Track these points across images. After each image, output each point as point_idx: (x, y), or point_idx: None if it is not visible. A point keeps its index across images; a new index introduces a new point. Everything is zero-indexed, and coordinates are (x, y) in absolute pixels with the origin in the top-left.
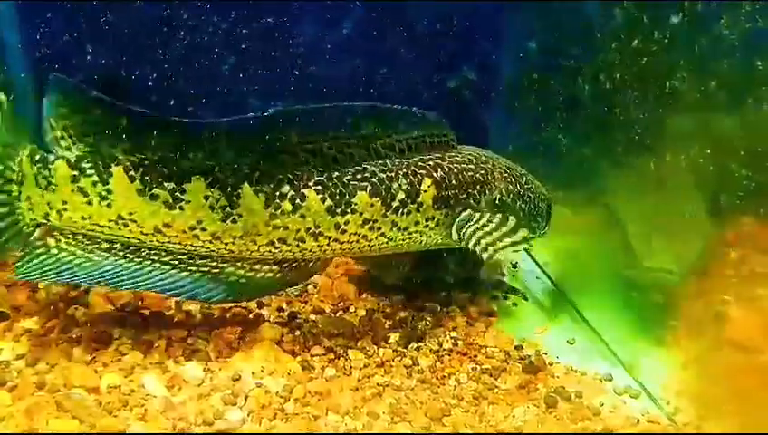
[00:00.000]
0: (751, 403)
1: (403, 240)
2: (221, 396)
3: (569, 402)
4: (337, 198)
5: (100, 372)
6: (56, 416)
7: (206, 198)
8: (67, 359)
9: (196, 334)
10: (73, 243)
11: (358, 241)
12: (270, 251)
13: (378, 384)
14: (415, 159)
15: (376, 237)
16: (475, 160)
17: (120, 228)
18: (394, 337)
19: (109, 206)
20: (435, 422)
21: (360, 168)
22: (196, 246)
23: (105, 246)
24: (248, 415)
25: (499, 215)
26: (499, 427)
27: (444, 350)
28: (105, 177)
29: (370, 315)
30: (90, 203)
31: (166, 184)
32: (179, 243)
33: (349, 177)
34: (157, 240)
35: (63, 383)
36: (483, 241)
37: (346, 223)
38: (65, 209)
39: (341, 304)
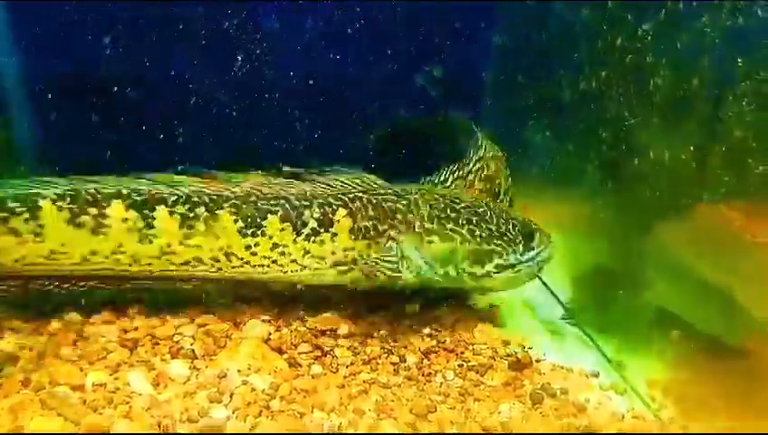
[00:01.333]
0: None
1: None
2: (206, 394)
3: (554, 399)
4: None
5: (85, 370)
6: (41, 414)
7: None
8: (53, 356)
9: (182, 333)
10: None
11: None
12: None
13: (364, 381)
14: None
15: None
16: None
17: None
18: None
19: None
20: (420, 419)
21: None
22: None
23: None
24: (233, 413)
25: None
26: (485, 423)
27: (430, 347)
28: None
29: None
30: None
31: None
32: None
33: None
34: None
35: (49, 381)
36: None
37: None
38: None
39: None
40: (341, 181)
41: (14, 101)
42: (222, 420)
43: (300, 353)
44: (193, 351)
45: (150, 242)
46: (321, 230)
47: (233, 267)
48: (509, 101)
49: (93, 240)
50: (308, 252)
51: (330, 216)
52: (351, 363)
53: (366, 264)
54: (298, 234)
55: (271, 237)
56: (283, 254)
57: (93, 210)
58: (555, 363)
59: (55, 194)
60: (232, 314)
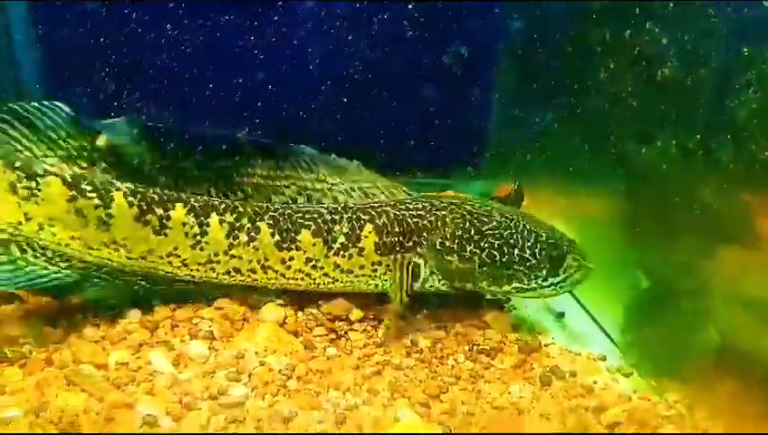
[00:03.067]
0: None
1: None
2: (225, 373)
3: (563, 381)
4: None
5: (108, 350)
6: (66, 390)
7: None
8: (76, 337)
9: (200, 316)
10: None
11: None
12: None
13: (377, 363)
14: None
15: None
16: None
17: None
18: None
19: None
20: (433, 399)
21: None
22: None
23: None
24: (252, 391)
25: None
26: (495, 404)
27: (442, 331)
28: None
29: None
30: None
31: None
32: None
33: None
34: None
35: (72, 360)
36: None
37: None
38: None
39: None
40: (373, 191)
41: None
42: (241, 398)
43: (315, 336)
44: (211, 332)
45: (201, 249)
46: (350, 245)
47: (268, 279)
48: None
49: (154, 240)
50: (338, 266)
51: (357, 231)
52: (365, 346)
53: (391, 279)
54: (329, 249)
55: (305, 252)
56: (315, 267)
57: (160, 211)
58: (563, 347)
59: (128, 188)
60: (248, 299)
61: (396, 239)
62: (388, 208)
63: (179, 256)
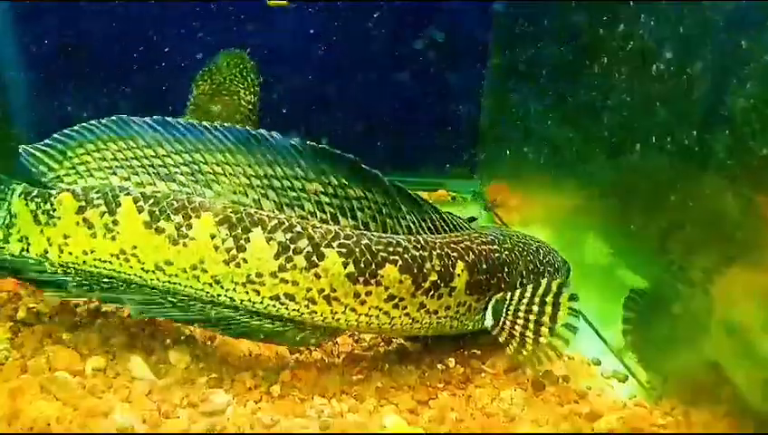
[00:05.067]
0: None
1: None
2: (206, 379)
3: (556, 386)
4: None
5: (84, 356)
6: (40, 398)
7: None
8: (53, 343)
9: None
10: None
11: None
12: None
13: (365, 368)
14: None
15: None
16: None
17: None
18: None
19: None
20: (421, 405)
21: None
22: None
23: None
24: (234, 398)
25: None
26: (486, 410)
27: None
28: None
29: None
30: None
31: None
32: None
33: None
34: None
35: (48, 367)
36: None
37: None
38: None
39: None
40: (437, 219)
41: None
42: (223, 405)
43: None
44: (193, 338)
45: (238, 266)
46: (442, 284)
47: (332, 312)
48: None
49: (171, 250)
50: (424, 306)
51: (450, 269)
52: (353, 350)
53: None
54: (418, 287)
55: (387, 288)
56: (396, 306)
57: (178, 218)
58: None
59: (141, 193)
60: None
61: (483, 278)
62: (468, 243)
63: (207, 272)
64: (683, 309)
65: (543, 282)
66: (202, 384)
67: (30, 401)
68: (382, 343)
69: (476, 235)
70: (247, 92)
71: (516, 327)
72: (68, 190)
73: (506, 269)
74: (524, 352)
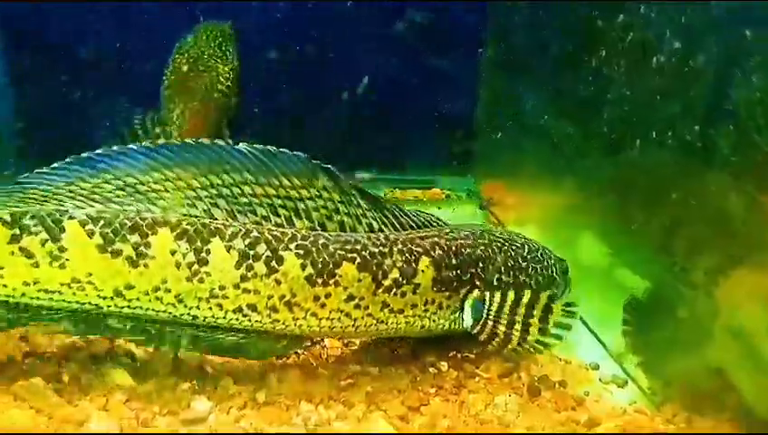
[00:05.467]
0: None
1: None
2: (189, 385)
3: (552, 391)
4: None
5: (63, 365)
6: (14, 406)
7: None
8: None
9: None
10: None
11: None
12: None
13: (354, 373)
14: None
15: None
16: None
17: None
18: None
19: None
20: (412, 411)
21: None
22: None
23: None
24: (216, 405)
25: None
26: (479, 417)
27: (423, 338)
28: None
29: None
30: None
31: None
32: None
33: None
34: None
35: (26, 372)
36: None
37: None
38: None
39: None
40: (401, 215)
41: None
42: (205, 413)
43: None
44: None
45: (201, 281)
46: (404, 282)
47: (293, 319)
48: None
49: (131, 273)
50: (387, 305)
51: (413, 265)
52: (342, 354)
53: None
54: (378, 286)
55: (346, 288)
56: (358, 307)
57: (135, 238)
58: (553, 355)
59: (86, 215)
60: None
61: (453, 274)
62: (437, 238)
63: (170, 291)
64: (686, 312)
65: (527, 292)
66: (183, 390)
67: (2, 411)
68: (371, 346)
69: (449, 230)
70: (226, 67)
71: (500, 327)
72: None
73: (481, 265)
74: (510, 347)
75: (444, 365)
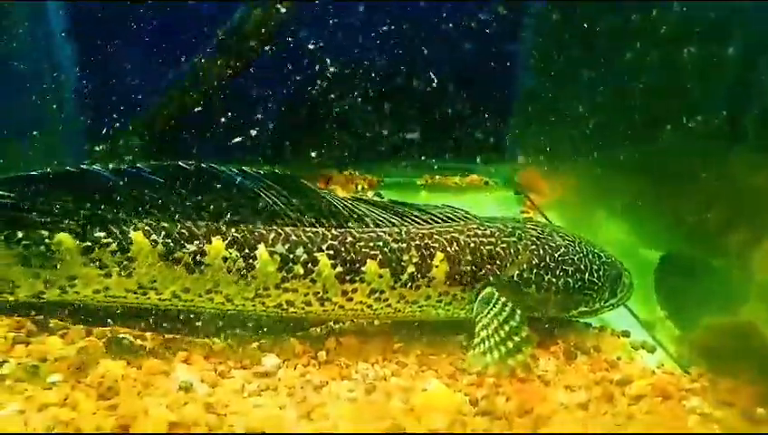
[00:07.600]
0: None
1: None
2: (259, 344)
3: (587, 355)
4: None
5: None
6: (106, 356)
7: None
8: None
9: None
10: None
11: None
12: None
13: (404, 337)
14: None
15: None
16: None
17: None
18: None
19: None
20: (460, 372)
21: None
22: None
23: None
24: (284, 362)
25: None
26: (521, 376)
27: None
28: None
29: None
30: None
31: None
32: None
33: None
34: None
35: (110, 331)
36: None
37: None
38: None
39: None
40: (434, 214)
41: None
42: (274, 368)
43: None
44: None
45: (248, 284)
46: (419, 276)
47: (324, 311)
48: None
49: (189, 278)
50: (404, 297)
51: (428, 260)
52: (391, 323)
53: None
54: (396, 280)
55: (369, 283)
56: (378, 299)
57: (191, 246)
58: (588, 324)
59: (149, 225)
60: None
61: (468, 269)
62: (458, 235)
63: (222, 293)
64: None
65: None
66: (254, 349)
67: (97, 360)
68: None
69: (475, 225)
70: None
71: (483, 332)
72: (66, 230)
73: (498, 262)
74: (488, 358)
75: None
